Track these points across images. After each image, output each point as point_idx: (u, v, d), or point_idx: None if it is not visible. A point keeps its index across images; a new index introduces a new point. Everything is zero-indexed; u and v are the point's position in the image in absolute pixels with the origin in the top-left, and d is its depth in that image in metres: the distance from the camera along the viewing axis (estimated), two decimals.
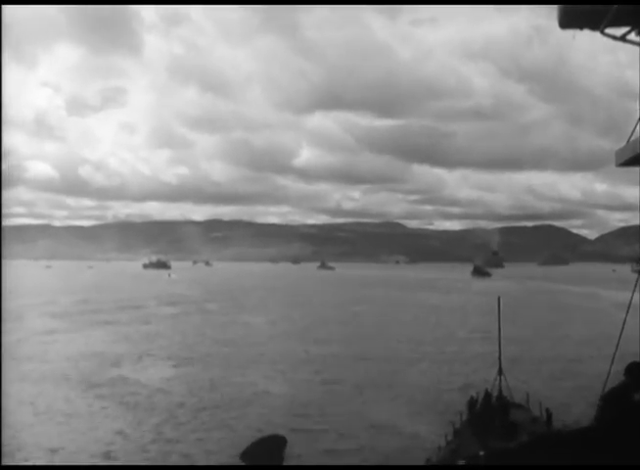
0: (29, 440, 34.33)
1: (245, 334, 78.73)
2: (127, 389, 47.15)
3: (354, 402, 42.61)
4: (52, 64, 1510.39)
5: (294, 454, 28.98)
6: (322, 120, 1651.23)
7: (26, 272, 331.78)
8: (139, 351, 65.40)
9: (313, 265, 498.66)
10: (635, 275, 15.33)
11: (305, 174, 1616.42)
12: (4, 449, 31.45)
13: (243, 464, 26.51)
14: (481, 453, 19.67)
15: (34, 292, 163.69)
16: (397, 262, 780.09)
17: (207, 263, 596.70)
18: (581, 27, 13.06)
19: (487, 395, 29.05)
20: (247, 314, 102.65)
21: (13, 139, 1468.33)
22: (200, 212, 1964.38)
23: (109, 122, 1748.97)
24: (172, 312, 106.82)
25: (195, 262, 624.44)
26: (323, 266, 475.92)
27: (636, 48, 12.96)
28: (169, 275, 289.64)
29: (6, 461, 30.38)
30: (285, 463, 27.49)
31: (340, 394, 45.27)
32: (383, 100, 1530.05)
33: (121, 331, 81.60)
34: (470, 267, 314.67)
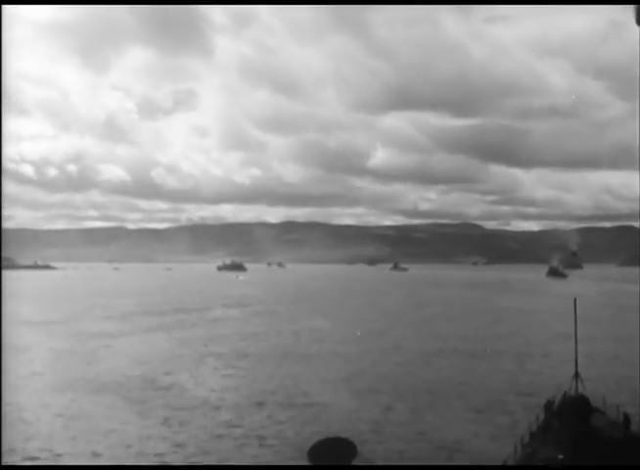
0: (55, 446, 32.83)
1: (307, 338, 76.66)
2: (181, 393, 45.70)
3: (424, 410, 40.65)
4: (122, 67, 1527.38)
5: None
6: (396, 121, 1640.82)
7: (95, 274, 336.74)
8: (197, 354, 63.95)
9: (388, 267, 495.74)
10: None
11: (380, 175, 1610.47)
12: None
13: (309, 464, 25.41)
14: (560, 457, 18.94)
15: (100, 294, 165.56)
16: (475, 264, 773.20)
17: (280, 265, 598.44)
18: None
19: (565, 397, 27.95)
20: (313, 317, 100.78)
21: (85, 143, 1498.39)
22: (274, 214, 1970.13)
23: (180, 125, 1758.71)
24: (236, 315, 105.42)
25: (269, 264, 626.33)
26: (396, 268, 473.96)
27: None
28: (237, 277, 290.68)
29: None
30: None
31: (406, 404, 42.69)
32: (457, 99, 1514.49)
33: (180, 334, 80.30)
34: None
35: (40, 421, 38.34)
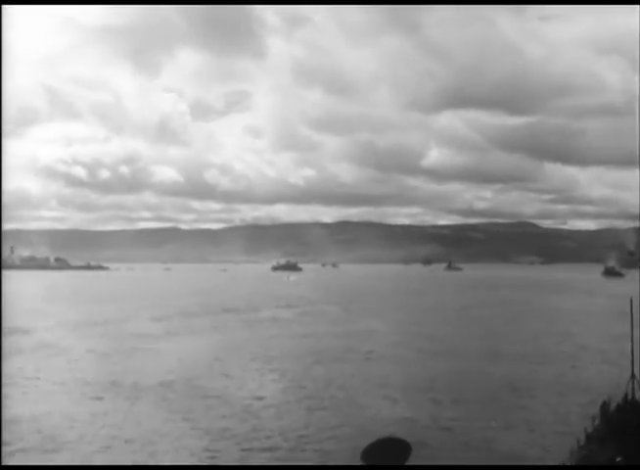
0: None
1: (357, 340, 74.49)
2: (221, 399, 43.50)
3: (476, 417, 38.48)
4: (174, 69, 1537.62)
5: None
6: (450, 120, 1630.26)
7: (146, 275, 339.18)
8: (241, 357, 62.07)
9: (443, 267, 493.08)
10: None
11: (435, 174, 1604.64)
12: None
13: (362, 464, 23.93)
14: (619, 459, 17.71)
15: (148, 294, 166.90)
16: (531, 263, 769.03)
17: (334, 265, 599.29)
18: None
19: (624, 399, 26.56)
20: (364, 318, 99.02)
21: (137, 145, 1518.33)
22: (328, 214, 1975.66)
23: (233, 126, 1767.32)
24: (285, 316, 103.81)
25: (324, 265, 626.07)
26: (450, 267, 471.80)
27: None
28: (288, 278, 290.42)
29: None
30: None
31: (458, 411, 40.54)
32: (512, 98, 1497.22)
33: (225, 336, 79.03)
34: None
35: (68, 428, 36.81)
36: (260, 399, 44.44)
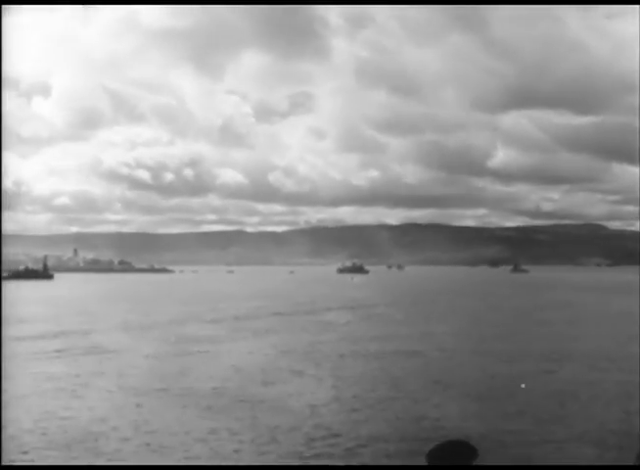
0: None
1: (418, 344, 72.42)
2: (273, 407, 41.69)
3: (536, 431, 36.48)
4: (237, 71, 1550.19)
5: None
6: (517, 119, 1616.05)
7: (209, 277, 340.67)
8: (298, 362, 60.09)
9: (509, 269, 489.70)
10: None
11: (501, 175, 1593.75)
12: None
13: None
14: None
15: (210, 297, 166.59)
16: (598, 265, 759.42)
17: (400, 267, 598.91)
18: None
19: None
20: (428, 322, 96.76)
21: (201, 147, 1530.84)
22: (393, 216, 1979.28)
23: (297, 128, 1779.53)
24: (347, 319, 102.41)
25: (389, 267, 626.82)
26: (516, 269, 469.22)
27: None
28: (352, 279, 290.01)
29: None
30: None
31: (518, 421, 38.17)
32: (579, 97, 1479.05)
33: (284, 340, 77.30)
34: None
35: (105, 436, 35.55)
36: (314, 406, 42.52)
